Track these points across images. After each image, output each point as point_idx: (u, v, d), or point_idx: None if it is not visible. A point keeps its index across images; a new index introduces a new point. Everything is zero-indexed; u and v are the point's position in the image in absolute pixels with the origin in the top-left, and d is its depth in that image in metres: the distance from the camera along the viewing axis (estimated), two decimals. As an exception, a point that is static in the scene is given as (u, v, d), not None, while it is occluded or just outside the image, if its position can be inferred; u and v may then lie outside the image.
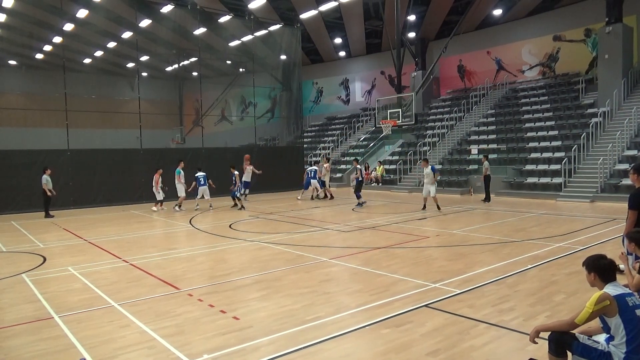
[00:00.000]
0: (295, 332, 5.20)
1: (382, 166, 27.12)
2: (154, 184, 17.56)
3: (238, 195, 17.58)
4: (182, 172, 17.54)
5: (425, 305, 5.95)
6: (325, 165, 20.95)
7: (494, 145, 23.53)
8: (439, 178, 16.54)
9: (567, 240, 9.94)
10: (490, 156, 22.75)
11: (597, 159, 18.10)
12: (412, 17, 28.18)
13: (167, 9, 24.57)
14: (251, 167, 19.86)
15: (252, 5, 26.11)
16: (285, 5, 27.63)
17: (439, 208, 15.33)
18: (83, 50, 30.98)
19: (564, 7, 25.83)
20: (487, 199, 18.19)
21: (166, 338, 5.10)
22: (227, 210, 17.56)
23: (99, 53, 32.56)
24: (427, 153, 25.82)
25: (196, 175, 17.73)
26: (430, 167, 15.82)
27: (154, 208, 17.72)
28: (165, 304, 6.35)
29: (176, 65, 35.61)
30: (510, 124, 24.65)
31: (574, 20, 25.38)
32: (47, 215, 16.58)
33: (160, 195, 17.55)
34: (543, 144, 21.79)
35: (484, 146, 23.90)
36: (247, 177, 19.50)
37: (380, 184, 25.96)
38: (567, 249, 9.09)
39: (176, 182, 17.48)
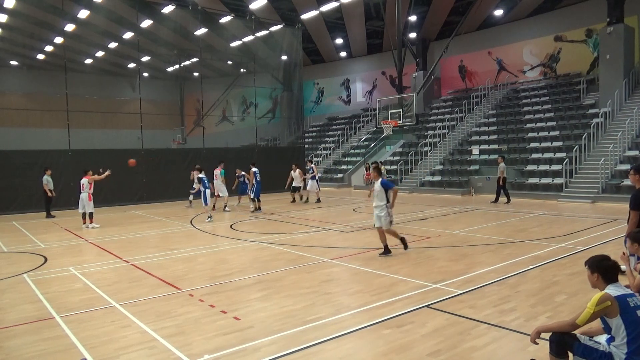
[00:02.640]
0: (296, 333, 5.20)
1: (383, 167, 27.07)
2: (89, 190, 14.05)
3: (252, 195, 17.11)
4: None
5: (426, 306, 5.95)
6: (297, 172, 19.66)
7: (495, 146, 23.51)
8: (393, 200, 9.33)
9: (569, 241, 9.93)
10: (491, 156, 22.78)
11: (599, 159, 18.08)
12: (413, 18, 28.16)
13: (168, 9, 24.60)
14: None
15: (253, 6, 26.13)
16: (286, 5, 27.63)
17: (405, 246, 9.23)
18: (84, 50, 31.05)
19: (565, 8, 25.82)
20: (508, 200, 17.54)
21: (167, 338, 5.10)
22: (228, 211, 17.50)
23: (100, 53, 32.64)
24: (429, 153, 25.83)
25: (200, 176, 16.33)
26: (381, 180, 9.17)
27: (87, 225, 13.98)
28: (166, 304, 6.35)
29: (177, 66, 35.68)
30: (512, 124, 24.63)
31: (575, 20, 25.36)
32: (48, 216, 16.61)
33: (90, 207, 13.97)
34: (544, 144, 21.77)
35: (485, 147, 23.88)
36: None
37: (381, 185, 25.89)
38: (569, 250, 9.08)
39: (220, 182, 17.15)
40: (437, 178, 23.82)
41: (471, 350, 4.62)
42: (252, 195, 17.25)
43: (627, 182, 16.39)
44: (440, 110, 30.23)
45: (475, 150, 24.02)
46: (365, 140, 32.09)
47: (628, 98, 21.35)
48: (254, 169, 17.30)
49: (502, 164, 17.71)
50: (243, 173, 18.32)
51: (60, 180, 18.24)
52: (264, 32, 27.65)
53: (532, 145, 22.17)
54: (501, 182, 17.56)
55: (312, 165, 19.62)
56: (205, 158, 22.72)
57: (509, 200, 17.61)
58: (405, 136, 29.56)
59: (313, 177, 19.04)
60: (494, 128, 25.32)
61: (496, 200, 17.87)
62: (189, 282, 7.50)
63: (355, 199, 20.81)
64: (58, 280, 7.84)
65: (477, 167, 22.88)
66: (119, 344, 4.99)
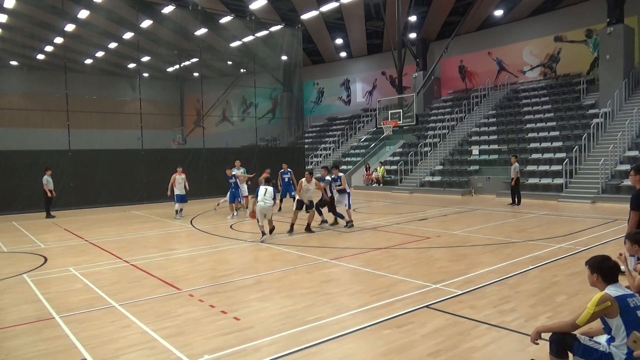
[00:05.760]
0: (296, 333, 5.20)
1: (383, 167, 27.12)
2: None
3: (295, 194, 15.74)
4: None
5: (426, 306, 5.95)
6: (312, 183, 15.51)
7: (495, 146, 23.52)
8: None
9: (569, 241, 9.93)
10: (491, 156, 22.79)
11: (599, 159, 18.08)
12: (413, 18, 28.19)
13: (168, 9, 24.60)
14: (183, 176, 16.11)
15: (253, 6, 26.14)
16: (286, 5, 27.65)
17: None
18: (84, 50, 31.02)
19: (565, 8, 25.83)
20: (519, 201, 16.74)
21: (167, 338, 5.10)
22: (226, 211, 17.39)
23: (100, 54, 32.61)
24: (428, 154, 25.83)
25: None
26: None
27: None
28: (166, 304, 6.35)
29: (177, 66, 35.63)
30: (512, 124, 24.64)
31: (575, 20, 25.37)
32: (48, 216, 16.61)
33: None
34: (544, 144, 21.78)
35: (485, 147, 23.89)
36: (179, 190, 15.85)
37: (381, 185, 25.96)
38: (569, 250, 9.08)
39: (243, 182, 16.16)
40: (437, 178, 23.83)
41: (471, 351, 4.62)
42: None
43: (627, 182, 16.39)
44: (440, 111, 30.23)
45: (475, 150, 24.03)
46: (365, 140, 32.10)
47: (628, 98, 21.36)
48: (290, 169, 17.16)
49: (516, 164, 16.78)
50: (289, 170, 17.26)
51: (60, 180, 18.26)
52: (264, 32, 27.64)
53: (532, 145, 22.17)
54: (513, 183, 16.71)
55: (340, 174, 13.25)
56: (205, 158, 22.75)
57: (519, 202, 16.76)
58: (405, 136, 29.57)
59: (343, 191, 13.00)
60: (494, 128, 25.32)
61: (514, 201, 16.83)
62: (189, 282, 7.50)
63: (355, 199, 20.78)
64: (58, 281, 7.84)
65: (477, 167, 22.88)
66: (119, 344, 4.99)
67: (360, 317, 5.65)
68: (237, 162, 17.12)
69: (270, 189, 11.19)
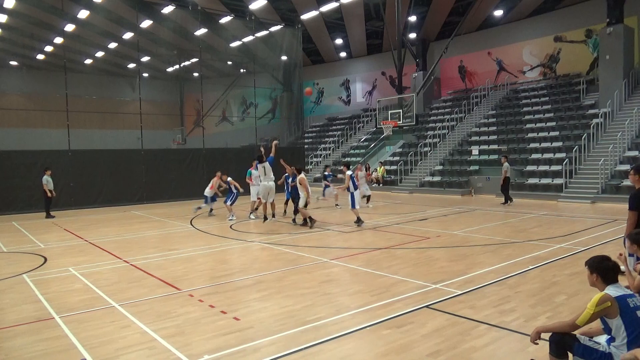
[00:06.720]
0: (296, 333, 5.20)
1: (382, 167, 27.11)
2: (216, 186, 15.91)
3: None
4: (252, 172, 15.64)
5: (426, 306, 5.95)
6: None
7: (495, 146, 23.52)
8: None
9: (568, 241, 9.93)
10: (491, 156, 22.79)
11: (598, 159, 18.08)
12: (413, 18, 28.19)
13: (168, 9, 24.61)
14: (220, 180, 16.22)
15: (253, 6, 26.14)
16: (286, 5, 27.64)
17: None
18: (84, 50, 30.98)
19: (565, 8, 25.84)
20: (509, 200, 17.08)
21: (167, 339, 5.10)
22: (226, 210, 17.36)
23: (100, 54, 32.61)
24: (428, 154, 25.84)
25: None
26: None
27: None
28: (165, 304, 6.35)
29: (177, 66, 35.65)
30: (511, 124, 24.64)
31: (575, 21, 25.38)
32: (48, 216, 16.61)
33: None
34: (544, 144, 21.78)
35: (485, 147, 23.89)
36: (209, 192, 16.15)
37: (381, 185, 25.95)
38: (568, 250, 9.08)
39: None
40: (437, 178, 23.83)
41: (471, 351, 4.62)
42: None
43: (627, 182, 16.40)
44: (440, 111, 30.23)
45: (475, 150, 24.03)
46: (365, 140, 32.10)
47: (628, 98, 21.36)
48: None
49: (505, 164, 17.17)
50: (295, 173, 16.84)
51: (60, 180, 18.26)
52: (263, 33, 27.65)
53: (532, 145, 22.17)
54: (502, 182, 17.10)
55: (347, 172, 13.80)
56: (205, 158, 22.76)
57: (509, 200, 17.03)
58: (405, 136, 29.57)
59: (356, 188, 13.78)
60: (493, 128, 25.32)
61: (505, 201, 17.18)
62: (188, 282, 7.49)
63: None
64: (58, 281, 7.83)
65: (477, 167, 22.89)
66: (118, 344, 4.99)
67: (360, 317, 5.65)
68: (255, 163, 16.63)
69: (267, 164, 12.55)
